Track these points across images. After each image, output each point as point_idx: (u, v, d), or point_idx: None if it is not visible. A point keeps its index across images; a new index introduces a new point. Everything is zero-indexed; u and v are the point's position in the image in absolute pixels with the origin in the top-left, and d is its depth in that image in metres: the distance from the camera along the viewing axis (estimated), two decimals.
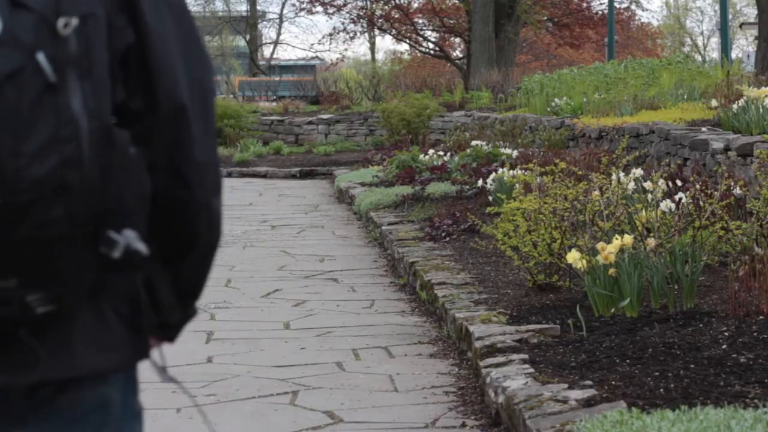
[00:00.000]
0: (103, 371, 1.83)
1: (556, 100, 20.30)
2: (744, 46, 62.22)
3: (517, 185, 8.16)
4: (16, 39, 1.67)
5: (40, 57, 1.68)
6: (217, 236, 1.94)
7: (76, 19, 1.71)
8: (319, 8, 42.38)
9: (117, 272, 1.79)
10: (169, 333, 1.95)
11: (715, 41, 69.33)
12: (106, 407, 1.86)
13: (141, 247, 1.76)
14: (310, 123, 26.58)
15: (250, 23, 48.08)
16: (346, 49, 79.09)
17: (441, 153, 16.78)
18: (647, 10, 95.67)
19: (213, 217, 1.91)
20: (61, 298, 1.74)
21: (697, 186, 7.35)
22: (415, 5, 42.49)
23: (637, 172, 9.34)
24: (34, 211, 1.68)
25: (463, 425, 5.16)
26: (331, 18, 44.76)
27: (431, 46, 44.05)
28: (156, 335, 1.93)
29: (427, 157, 16.46)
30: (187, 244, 1.90)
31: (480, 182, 12.50)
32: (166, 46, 1.84)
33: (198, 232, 1.90)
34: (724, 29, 26.81)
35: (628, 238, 6.21)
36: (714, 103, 13.39)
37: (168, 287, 1.91)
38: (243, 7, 47.78)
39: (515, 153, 14.94)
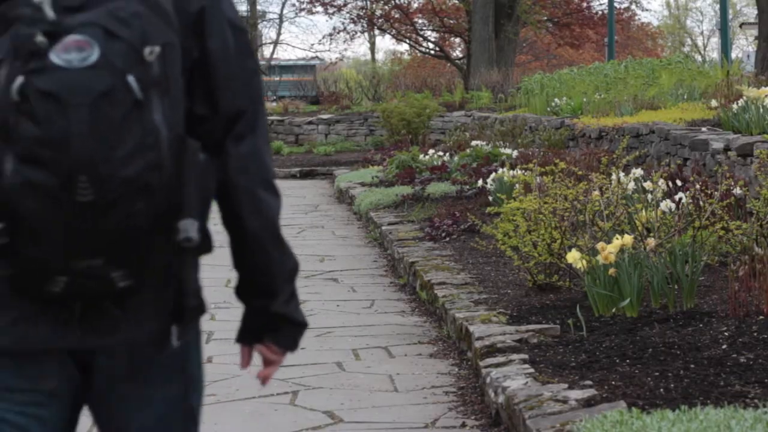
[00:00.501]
0: (165, 334, 2.24)
1: (556, 100, 20.30)
2: (744, 46, 62.22)
3: (517, 185, 8.16)
4: (110, 63, 2.05)
5: (130, 78, 2.06)
6: (268, 226, 2.28)
7: (158, 48, 2.09)
8: (319, 8, 42.38)
9: (181, 256, 2.19)
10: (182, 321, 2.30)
11: (715, 41, 69.34)
12: (173, 361, 2.30)
13: (195, 236, 2.14)
14: (310, 123, 26.58)
15: (250, 23, 48.07)
16: (346, 49, 79.16)
17: (441, 153, 16.78)
18: (647, 10, 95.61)
19: (260, 206, 2.26)
20: (138, 275, 2.15)
21: (697, 186, 7.35)
22: (415, 5, 42.49)
23: (637, 172, 9.34)
24: (121, 206, 2.07)
25: (463, 425, 5.16)
26: (331, 18, 44.78)
27: (431, 46, 44.06)
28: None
29: (427, 157, 16.46)
30: (238, 231, 2.27)
31: (480, 182, 12.50)
32: (228, 61, 2.25)
33: (243, 217, 2.25)
34: (724, 29, 26.82)
35: (628, 238, 6.21)
36: (714, 103, 13.39)
37: (237, 272, 2.33)
38: (243, 7, 47.78)
39: (515, 153, 14.94)
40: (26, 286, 2.16)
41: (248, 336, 2.40)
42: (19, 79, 2.05)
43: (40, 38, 2.06)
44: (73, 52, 2.06)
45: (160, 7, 2.14)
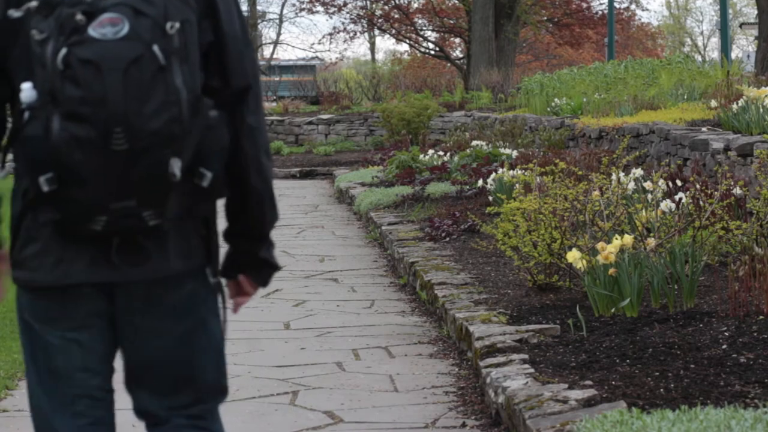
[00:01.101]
0: (188, 272, 2.71)
1: (556, 100, 20.30)
2: (744, 46, 62.23)
3: (517, 185, 8.16)
4: (139, 35, 2.51)
5: (155, 48, 2.52)
6: (266, 186, 2.77)
7: (178, 23, 2.55)
8: (320, 8, 42.38)
9: (203, 200, 2.66)
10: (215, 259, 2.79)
11: (715, 41, 69.33)
12: (195, 297, 2.73)
13: (210, 180, 2.60)
14: (310, 123, 26.58)
15: (249, 23, 48.10)
16: (346, 49, 79.20)
17: (441, 153, 16.77)
18: (647, 10, 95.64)
19: (261, 169, 2.75)
20: (165, 215, 2.60)
21: (697, 186, 7.35)
22: (415, 5, 42.49)
23: (637, 172, 9.34)
24: (150, 153, 2.52)
25: (464, 425, 5.16)
26: (331, 18, 44.80)
27: (431, 46, 44.05)
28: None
29: (427, 157, 16.46)
30: (242, 188, 2.74)
31: (480, 182, 12.49)
32: (237, 43, 2.71)
33: (248, 176, 2.73)
34: (724, 29, 26.81)
35: (628, 238, 6.21)
36: (714, 103, 13.39)
37: (231, 219, 2.80)
38: (243, 7, 47.86)
39: (515, 153, 14.93)
40: (71, 227, 2.60)
41: (232, 272, 2.86)
42: (63, 51, 2.51)
43: (79, 17, 2.53)
44: (107, 27, 2.52)
45: None
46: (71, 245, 2.65)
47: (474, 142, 17.15)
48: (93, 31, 2.52)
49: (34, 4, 2.61)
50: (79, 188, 2.55)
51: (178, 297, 2.72)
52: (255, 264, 2.85)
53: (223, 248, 2.83)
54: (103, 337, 2.74)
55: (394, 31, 42.85)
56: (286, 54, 64.05)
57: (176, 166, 2.55)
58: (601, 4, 41.21)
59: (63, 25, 2.54)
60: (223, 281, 2.83)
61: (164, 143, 2.53)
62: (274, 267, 2.88)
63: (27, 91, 2.57)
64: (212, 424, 2.82)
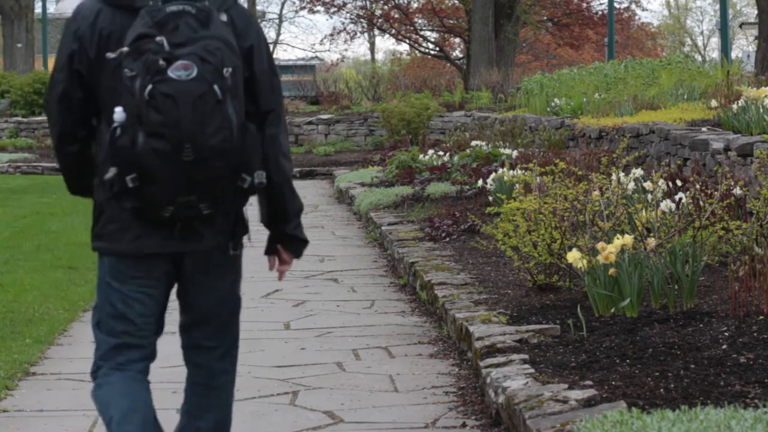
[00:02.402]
0: (226, 245, 3.77)
1: (556, 100, 20.29)
2: (744, 46, 62.21)
3: (517, 185, 8.15)
4: (204, 77, 3.48)
5: (215, 87, 3.48)
6: (285, 180, 3.75)
7: (231, 68, 3.53)
8: (320, 7, 42.37)
9: (242, 196, 3.66)
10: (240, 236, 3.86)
11: (715, 41, 69.32)
12: (225, 260, 3.81)
13: (249, 184, 3.61)
14: (309, 123, 26.58)
15: None
16: (346, 50, 79.23)
17: (441, 153, 16.77)
18: (647, 10, 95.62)
19: (280, 167, 3.73)
20: (215, 207, 3.62)
21: (697, 186, 7.35)
22: (415, 5, 42.48)
23: (637, 172, 9.34)
24: (209, 163, 3.50)
25: (464, 425, 5.16)
26: (331, 17, 44.77)
27: (431, 46, 44.04)
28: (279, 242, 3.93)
29: (426, 157, 16.46)
30: (269, 183, 3.68)
31: (480, 182, 12.49)
32: (264, 78, 3.72)
33: (271, 174, 3.69)
34: (724, 29, 26.83)
35: (628, 238, 6.21)
36: (714, 103, 13.38)
37: (265, 209, 3.83)
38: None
39: (515, 153, 14.93)
40: (147, 213, 3.61)
41: (272, 249, 3.90)
42: (149, 87, 3.45)
43: (161, 62, 3.47)
44: (181, 71, 3.47)
45: (231, 45, 3.58)
46: (146, 225, 3.65)
47: (474, 142, 17.15)
48: (171, 72, 3.47)
49: (126, 50, 3.53)
50: (155, 186, 3.54)
51: (222, 262, 3.80)
52: (286, 239, 3.86)
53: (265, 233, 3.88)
54: (162, 292, 3.78)
55: (394, 31, 42.85)
56: (285, 54, 64.09)
57: (226, 173, 3.56)
58: (601, 4, 41.22)
59: (149, 67, 3.47)
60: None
61: (219, 156, 3.52)
62: (303, 241, 3.90)
63: (119, 113, 3.51)
64: (235, 354, 4.02)
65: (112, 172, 3.55)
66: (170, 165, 3.50)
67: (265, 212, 3.81)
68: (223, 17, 3.65)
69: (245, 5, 45.30)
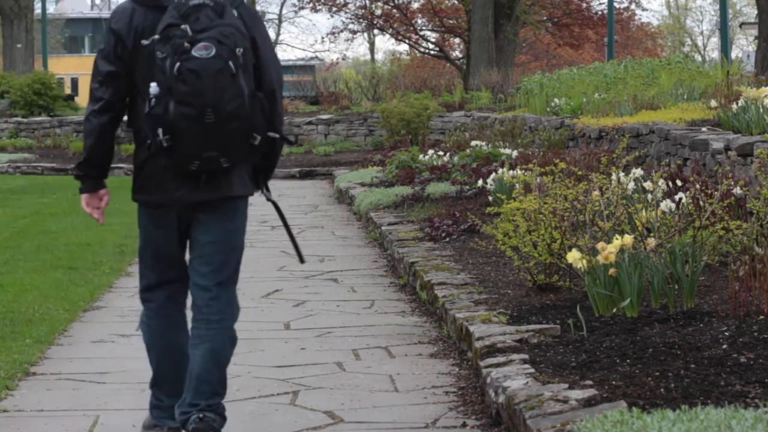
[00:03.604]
0: (242, 195, 4.69)
1: (555, 100, 20.29)
2: (744, 46, 62.24)
3: (517, 185, 8.15)
4: (221, 56, 4.37)
5: (230, 63, 4.38)
6: (280, 148, 4.73)
7: (242, 49, 4.42)
8: (322, 7, 42.36)
9: (254, 152, 4.55)
10: (264, 185, 4.81)
11: (715, 41, 69.34)
12: (240, 208, 4.73)
13: (259, 141, 4.54)
14: (309, 123, 26.57)
15: None
16: (346, 49, 79.22)
17: (441, 153, 16.76)
18: (647, 10, 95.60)
19: (275, 128, 4.61)
20: (233, 160, 4.51)
21: (697, 186, 7.34)
22: (415, 5, 42.48)
23: (637, 172, 9.34)
24: (227, 124, 4.40)
25: (464, 425, 5.16)
26: (332, 17, 44.75)
27: (431, 46, 44.03)
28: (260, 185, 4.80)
29: (426, 157, 16.45)
30: (271, 149, 4.66)
31: (480, 182, 12.49)
32: (269, 62, 4.58)
33: (273, 144, 4.65)
34: (724, 29, 26.83)
35: (628, 238, 6.21)
36: (714, 103, 13.37)
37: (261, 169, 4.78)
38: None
39: (515, 153, 14.92)
40: (177, 168, 4.53)
41: (256, 185, 4.82)
42: (177, 64, 4.38)
43: (186, 44, 4.39)
44: (202, 50, 4.38)
45: (241, 30, 4.48)
46: (176, 179, 4.59)
47: (474, 142, 17.15)
48: (194, 52, 4.38)
49: (157, 37, 4.45)
50: (184, 144, 4.45)
51: (234, 207, 4.70)
52: (265, 179, 4.84)
53: None
54: (183, 234, 4.76)
55: (393, 31, 42.83)
56: (285, 54, 64.05)
57: (240, 132, 4.47)
58: (600, 4, 41.21)
59: (176, 49, 4.40)
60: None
61: (234, 118, 4.43)
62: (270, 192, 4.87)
63: (154, 87, 4.42)
64: (231, 295, 4.76)
65: (149, 135, 4.48)
66: (196, 126, 4.40)
67: (259, 163, 4.72)
68: (234, 12, 4.53)
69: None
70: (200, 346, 4.65)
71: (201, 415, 4.59)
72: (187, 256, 4.83)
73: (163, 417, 4.87)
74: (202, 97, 4.35)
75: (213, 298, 4.67)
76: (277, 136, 4.62)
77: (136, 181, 4.67)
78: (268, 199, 4.78)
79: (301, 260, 5.07)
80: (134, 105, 4.66)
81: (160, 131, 4.41)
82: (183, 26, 4.41)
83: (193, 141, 4.42)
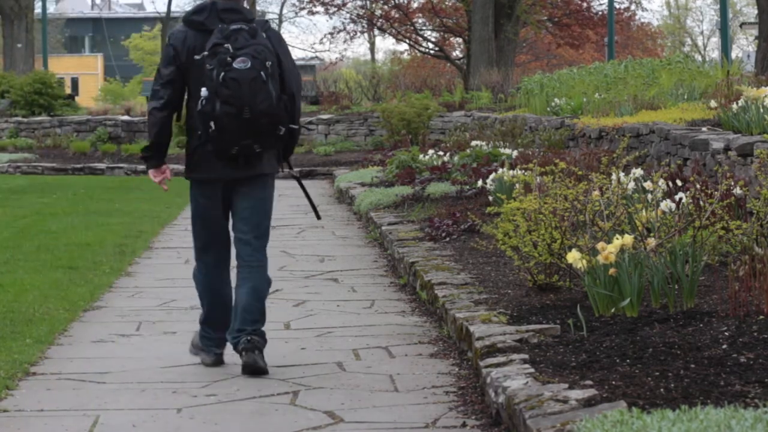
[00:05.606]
0: (270, 172, 6.28)
1: (556, 100, 20.29)
2: (744, 46, 62.23)
3: (517, 185, 8.15)
4: (255, 68, 5.99)
5: (262, 73, 5.99)
6: (297, 135, 6.29)
7: (270, 62, 6.04)
8: (320, 8, 42.35)
9: (279, 140, 6.15)
10: (287, 162, 6.43)
11: (715, 41, 69.32)
12: (269, 182, 6.31)
13: (283, 132, 6.15)
14: (309, 123, 26.57)
15: None
16: (345, 49, 79.16)
17: (441, 153, 16.76)
18: (647, 10, 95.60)
19: (294, 122, 6.20)
20: (264, 146, 6.12)
21: (698, 186, 7.34)
22: (415, 5, 42.46)
23: (637, 172, 9.33)
24: (260, 119, 6.01)
25: (464, 425, 5.16)
26: (331, 18, 44.76)
27: (431, 46, 44.02)
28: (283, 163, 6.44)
29: (427, 157, 16.45)
30: (291, 137, 6.21)
31: (480, 182, 12.48)
32: (290, 72, 6.17)
33: (293, 132, 6.21)
34: (724, 29, 26.83)
35: (628, 238, 6.21)
36: (714, 103, 13.37)
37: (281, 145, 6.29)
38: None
39: (515, 153, 14.92)
40: (221, 153, 6.05)
41: (282, 162, 6.34)
42: (222, 74, 5.92)
43: (229, 59, 5.94)
44: (241, 63, 5.92)
45: (270, 48, 6.04)
46: (221, 161, 6.10)
47: (474, 142, 17.15)
48: (235, 65, 5.91)
49: (206, 53, 5.99)
50: (227, 134, 5.97)
51: (264, 181, 6.22)
52: (286, 157, 6.37)
53: None
54: (227, 206, 6.27)
55: (393, 31, 42.82)
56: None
57: (269, 126, 6.01)
58: (601, 4, 41.19)
59: (221, 62, 5.93)
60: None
61: (265, 115, 5.97)
62: (291, 166, 6.49)
63: (204, 91, 5.95)
64: (265, 245, 6.30)
65: (200, 127, 6.02)
66: (236, 121, 5.94)
67: (281, 147, 6.22)
68: (264, 35, 6.08)
69: (251, 10, 45.60)
70: (244, 285, 6.12)
71: (249, 338, 6.03)
72: (230, 227, 6.26)
73: (210, 345, 6.33)
74: (241, 99, 5.91)
75: (253, 249, 6.18)
76: (296, 127, 6.14)
77: (190, 163, 6.20)
78: (291, 175, 6.55)
79: (318, 217, 6.74)
80: (188, 106, 6.18)
81: (212, 124, 5.93)
82: (226, 45, 5.96)
83: (233, 132, 5.96)
